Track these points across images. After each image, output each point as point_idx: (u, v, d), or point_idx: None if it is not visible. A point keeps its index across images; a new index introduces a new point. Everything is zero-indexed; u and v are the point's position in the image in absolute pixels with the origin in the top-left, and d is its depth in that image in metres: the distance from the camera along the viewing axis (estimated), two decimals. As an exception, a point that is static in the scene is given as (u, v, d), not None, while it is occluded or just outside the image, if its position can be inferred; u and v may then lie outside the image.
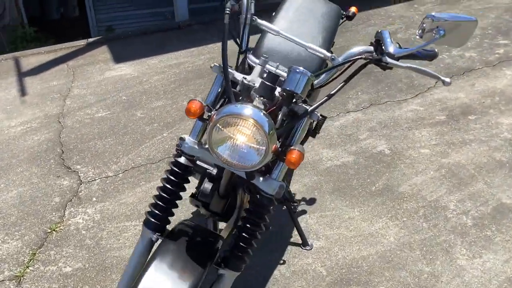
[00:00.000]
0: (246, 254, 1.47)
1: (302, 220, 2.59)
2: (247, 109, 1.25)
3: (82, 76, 4.17)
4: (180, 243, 1.43)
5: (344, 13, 2.51)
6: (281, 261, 2.35)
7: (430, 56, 1.59)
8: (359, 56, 1.46)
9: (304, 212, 2.67)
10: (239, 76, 1.43)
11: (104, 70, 4.29)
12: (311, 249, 2.42)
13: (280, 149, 1.34)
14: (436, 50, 1.61)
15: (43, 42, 5.82)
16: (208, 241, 1.49)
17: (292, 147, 1.33)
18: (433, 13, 1.40)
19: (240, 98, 1.41)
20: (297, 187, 2.84)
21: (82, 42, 4.82)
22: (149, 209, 1.51)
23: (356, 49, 1.49)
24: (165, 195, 1.49)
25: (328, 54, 1.54)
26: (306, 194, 2.79)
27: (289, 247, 2.44)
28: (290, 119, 1.39)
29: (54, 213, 2.66)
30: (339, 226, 2.57)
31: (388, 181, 2.87)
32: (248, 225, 1.44)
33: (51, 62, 4.47)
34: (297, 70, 1.33)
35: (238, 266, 1.47)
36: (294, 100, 1.36)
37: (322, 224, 2.58)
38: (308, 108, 1.39)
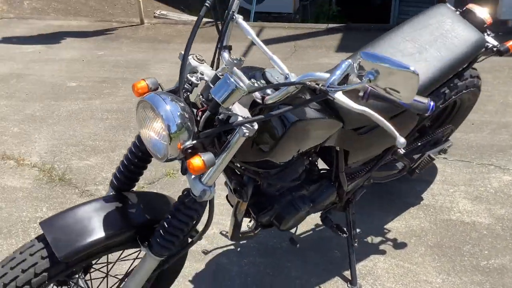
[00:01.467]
0: (167, 243, 1.45)
1: (375, 259, 2.33)
2: (162, 103, 1.26)
3: (299, 57, 4.45)
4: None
5: (494, 45, 2.07)
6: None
7: (420, 109, 1.27)
8: (305, 82, 1.27)
9: (383, 252, 2.38)
10: (202, 68, 1.45)
11: (320, 56, 4.47)
12: (358, 289, 2.18)
13: (189, 150, 1.29)
14: (431, 103, 1.28)
15: (338, 21, 6.21)
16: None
17: (200, 153, 1.28)
18: (367, 51, 1.12)
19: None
20: (398, 225, 2.52)
21: (323, 26, 5.07)
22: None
23: (311, 73, 1.29)
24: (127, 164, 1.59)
25: (286, 71, 1.39)
26: (401, 236, 2.45)
27: (335, 278, 2.25)
28: (218, 126, 1.34)
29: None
30: (406, 284, 2.21)
31: (508, 263, 2.26)
32: (174, 218, 1.44)
33: (287, 37, 4.89)
34: (228, 79, 1.24)
35: (156, 250, 1.46)
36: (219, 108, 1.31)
37: (390, 272, 2.25)
38: (237, 119, 1.30)
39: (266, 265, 2.27)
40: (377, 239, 2.44)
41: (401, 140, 1.23)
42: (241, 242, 2.40)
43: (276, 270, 2.25)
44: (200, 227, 1.54)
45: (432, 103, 1.27)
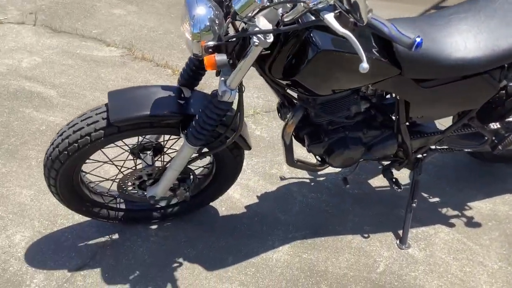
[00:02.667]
0: (198, 135, 1.69)
1: (439, 229, 2.27)
2: (194, 5, 1.47)
3: None
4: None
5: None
6: (366, 235, 2.27)
7: (404, 43, 1.30)
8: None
9: (451, 225, 2.29)
10: None
11: None
12: (405, 248, 2.18)
13: (210, 49, 1.46)
14: (417, 39, 1.30)
15: None
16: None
17: (216, 53, 1.46)
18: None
19: None
20: (483, 205, 2.36)
21: None
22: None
23: None
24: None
25: None
26: (480, 217, 2.30)
27: (388, 233, 2.27)
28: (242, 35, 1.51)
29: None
30: (458, 259, 2.12)
31: None
32: (203, 113, 1.66)
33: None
34: None
35: (190, 140, 1.72)
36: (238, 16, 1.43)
37: (448, 244, 2.17)
38: (253, 30, 1.43)
39: (328, 204, 2.41)
40: (452, 212, 2.35)
41: (364, 64, 1.25)
42: (317, 179, 2.57)
43: (336, 210, 2.38)
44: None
45: (419, 40, 1.28)
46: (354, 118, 1.91)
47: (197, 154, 1.86)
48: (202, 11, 1.46)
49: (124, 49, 3.63)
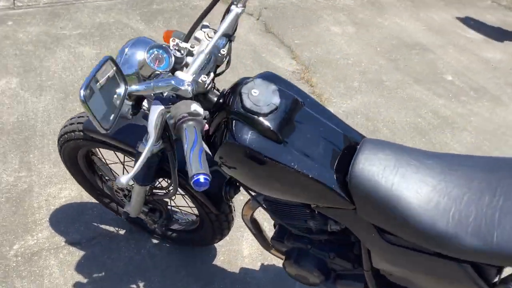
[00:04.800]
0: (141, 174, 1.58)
1: None
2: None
3: None
4: None
5: None
6: None
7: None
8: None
9: None
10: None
11: None
12: None
13: None
14: (195, 176, 0.94)
15: None
16: None
17: None
18: None
19: None
20: None
21: None
22: None
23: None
24: None
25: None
26: None
27: None
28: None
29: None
30: None
31: None
32: None
33: None
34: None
35: (137, 178, 1.59)
36: None
37: None
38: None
39: None
40: None
41: (122, 179, 1.06)
42: None
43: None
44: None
45: (199, 179, 0.95)
46: (318, 235, 1.48)
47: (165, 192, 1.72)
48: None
49: (301, 67, 3.53)
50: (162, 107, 1.15)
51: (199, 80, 1.24)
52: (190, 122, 1.06)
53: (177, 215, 2.12)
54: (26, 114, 2.82)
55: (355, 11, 4.38)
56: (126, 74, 1.31)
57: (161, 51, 1.24)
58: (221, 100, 1.33)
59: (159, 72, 1.23)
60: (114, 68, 1.14)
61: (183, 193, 1.78)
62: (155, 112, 1.13)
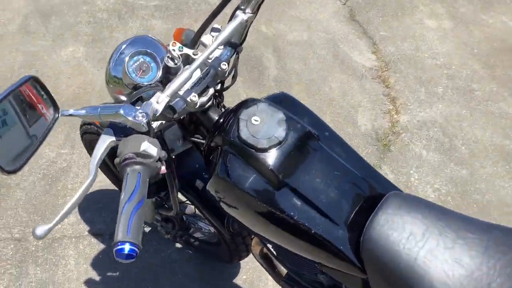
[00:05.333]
0: None
1: None
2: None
3: None
4: None
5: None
6: None
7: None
8: None
9: None
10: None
11: None
12: None
13: None
14: (119, 244, 0.75)
15: None
16: None
17: None
18: None
19: None
20: None
21: None
22: None
23: None
24: None
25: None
26: None
27: None
28: None
29: None
30: None
31: None
32: None
33: None
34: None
35: None
36: None
37: None
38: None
39: None
40: None
41: (38, 231, 0.82)
42: None
43: None
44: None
45: (123, 248, 0.73)
46: None
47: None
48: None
49: (381, 63, 3.16)
50: (113, 138, 0.94)
51: (188, 99, 1.01)
52: (136, 167, 0.83)
53: (201, 223, 1.95)
54: (84, 86, 2.78)
55: (457, 4, 3.84)
56: (115, 76, 1.13)
57: (148, 59, 1.03)
58: (221, 120, 1.11)
59: (141, 85, 1.02)
60: (40, 90, 0.94)
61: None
62: (103, 144, 0.93)
